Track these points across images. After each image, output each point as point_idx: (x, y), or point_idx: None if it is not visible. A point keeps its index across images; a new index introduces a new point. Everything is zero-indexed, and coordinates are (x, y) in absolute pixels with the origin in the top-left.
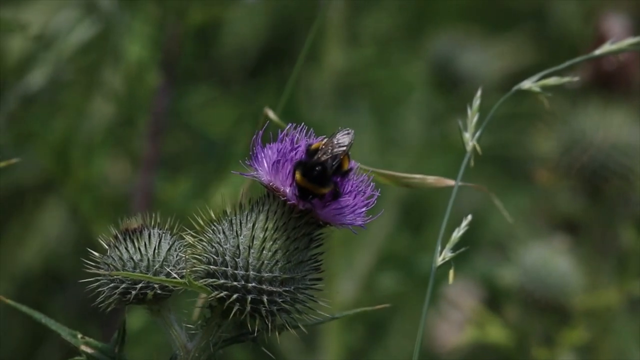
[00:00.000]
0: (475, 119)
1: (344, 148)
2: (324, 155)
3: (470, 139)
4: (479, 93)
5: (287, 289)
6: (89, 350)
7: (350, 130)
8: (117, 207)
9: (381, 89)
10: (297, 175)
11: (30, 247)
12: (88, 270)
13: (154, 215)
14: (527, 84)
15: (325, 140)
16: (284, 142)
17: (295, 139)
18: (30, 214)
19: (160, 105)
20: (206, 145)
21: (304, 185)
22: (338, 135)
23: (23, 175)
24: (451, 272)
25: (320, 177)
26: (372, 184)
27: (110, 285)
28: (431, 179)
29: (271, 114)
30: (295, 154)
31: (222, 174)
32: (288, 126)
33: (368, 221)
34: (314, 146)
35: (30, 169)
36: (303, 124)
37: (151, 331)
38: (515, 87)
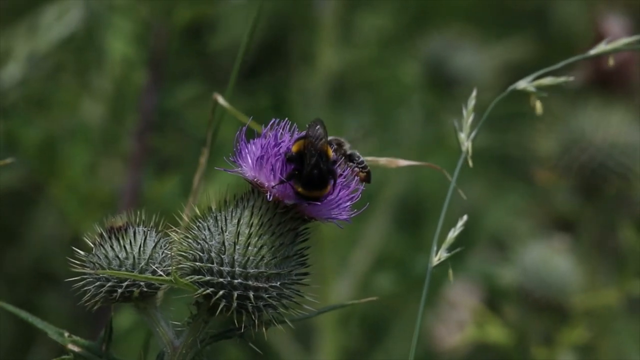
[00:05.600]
0: (471, 119)
1: (323, 140)
2: (312, 158)
3: (465, 139)
4: (474, 93)
5: (273, 284)
6: (75, 348)
7: (317, 121)
8: (105, 205)
9: (376, 90)
10: (300, 189)
11: (22, 246)
12: (74, 269)
13: (139, 213)
14: (522, 84)
15: (303, 142)
16: (267, 137)
17: (279, 134)
18: (22, 213)
19: (147, 104)
20: (195, 144)
21: (311, 195)
22: (310, 132)
23: (14, 174)
24: (450, 272)
25: (320, 180)
26: (356, 177)
27: (97, 284)
28: (383, 160)
29: (220, 100)
30: (279, 149)
31: (210, 172)
32: (272, 121)
33: (353, 215)
34: (294, 149)
35: (21, 168)
36: (287, 119)
37: (141, 329)
38: (511, 87)
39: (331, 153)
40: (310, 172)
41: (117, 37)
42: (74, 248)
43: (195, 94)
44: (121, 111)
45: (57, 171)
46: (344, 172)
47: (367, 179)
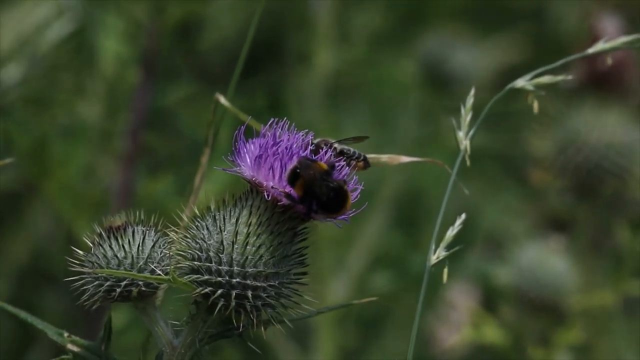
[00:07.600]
0: (469, 117)
1: (313, 165)
2: (322, 188)
3: (464, 138)
4: (472, 92)
5: (271, 283)
6: (75, 348)
7: (305, 133)
8: (98, 204)
9: (372, 89)
10: (329, 215)
11: (21, 245)
12: (72, 269)
13: (137, 212)
14: (520, 83)
15: (301, 182)
16: (266, 137)
17: (278, 133)
18: (21, 212)
19: (140, 102)
20: (189, 142)
21: (342, 212)
22: (299, 166)
23: (11, 173)
24: (445, 271)
25: (341, 196)
26: (355, 177)
27: (95, 283)
28: (385, 157)
29: (222, 100)
30: (278, 148)
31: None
32: (270, 121)
33: (352, 215)
34: (298, 192)
35: (17, 167)
36: (285, 118)
37: (135, 329)
38: (509, 86)
39: (325, 166)
40: (328, 198)
41: (110, 36)
42: (72, 247)
43: (187, 92)
44: (114, 110)
45: (50, 171)
46: (343, 170)
47: (365, 165)
